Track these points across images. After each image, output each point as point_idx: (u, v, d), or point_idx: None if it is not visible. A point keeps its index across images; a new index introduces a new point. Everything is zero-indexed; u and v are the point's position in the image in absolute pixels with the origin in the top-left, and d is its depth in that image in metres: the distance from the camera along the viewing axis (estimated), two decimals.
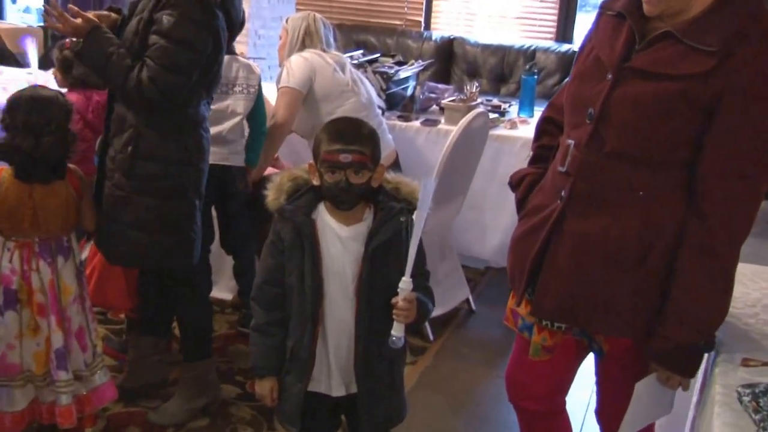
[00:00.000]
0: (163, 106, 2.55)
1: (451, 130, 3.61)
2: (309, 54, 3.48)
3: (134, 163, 2.58)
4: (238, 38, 3.26)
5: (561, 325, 1.95)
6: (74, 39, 2.59)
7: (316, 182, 2.07)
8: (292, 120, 3.46)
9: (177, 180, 2.63)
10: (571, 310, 1.89)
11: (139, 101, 2.53)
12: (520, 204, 2.08)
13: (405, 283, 1.95)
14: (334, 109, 3.44)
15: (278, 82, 3.49)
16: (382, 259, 2.02)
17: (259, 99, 3.40)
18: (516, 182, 2.12)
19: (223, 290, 3.82)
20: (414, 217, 1.94)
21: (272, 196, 2.09)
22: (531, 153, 2.16)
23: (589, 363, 2.12)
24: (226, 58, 3.20)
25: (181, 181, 2.64)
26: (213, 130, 2.96)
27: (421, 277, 2.06)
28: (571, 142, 1.87)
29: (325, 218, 2.07)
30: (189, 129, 2.64)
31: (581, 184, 1.84)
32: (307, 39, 3.53)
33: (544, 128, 2.12)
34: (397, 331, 1.97)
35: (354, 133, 2.01)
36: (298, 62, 3.43)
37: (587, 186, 1.83)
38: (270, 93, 3.59)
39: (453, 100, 4.21)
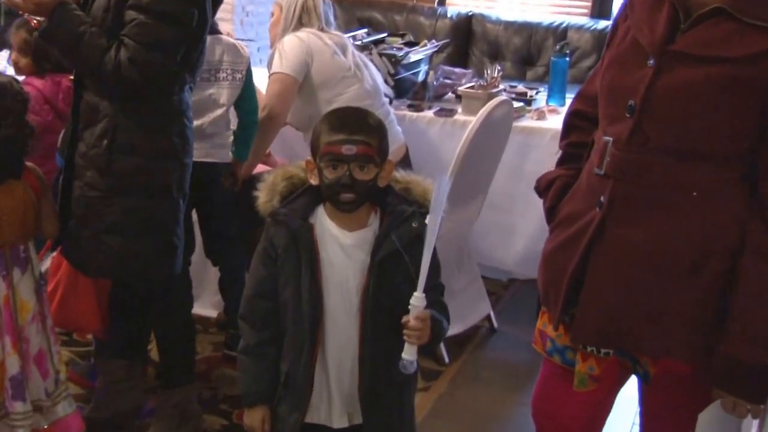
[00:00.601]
0: (145, 92, 2.57)
1: (469, 121, 3.62)
2: (305, 34, 3.49)
3: (112, 157, 2.60)
4: (222, 15, 3.28)
5: (609, 351, 1.96)
6: (37, 18, 2.61)
7: (314, 181, 2.08)
8: (286, 111, 3.48)
9: (161, 176, 2.65)
10: (617, 332, 1.90)
11: (117, 87, 2.55)
12: (550, 212, 2.09)
13: (417, 299, 1.96)
14: (334, 98, 3.45)
15: (269, 66, 3.50)
16: (391, 270, 2.03)
17: (248, 86, 3.42)
18: (544, 187, 2.13)
19: (206, 306, 3.84)
20: (427, 221, 1.95)
21: (264, 197, 2.11)
22: (560, 152, 2.17)
23: (630, 388, 2.13)
24: (208, 38, 3.21)
25: (165, 178, 2.66)
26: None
27: (434, 290, 2.08)
28: (608, 139, 1.88)
29: (324, 223, 2.08)
30: (173, 118, 2.66)
31: (623, 187, 1.85)
32: (304, 16, 3.54)
33: (573, 123, 2.13)
34: (409, 353, 1.98)
35: (359, 122, 2.03)
36: (293, 44, 3.45)
37: (630, 188, 1.85)
38: (261, 79, 3.60)
39: (471, 87, 4.22)
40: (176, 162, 2.68)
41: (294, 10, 3.54)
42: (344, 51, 3.55)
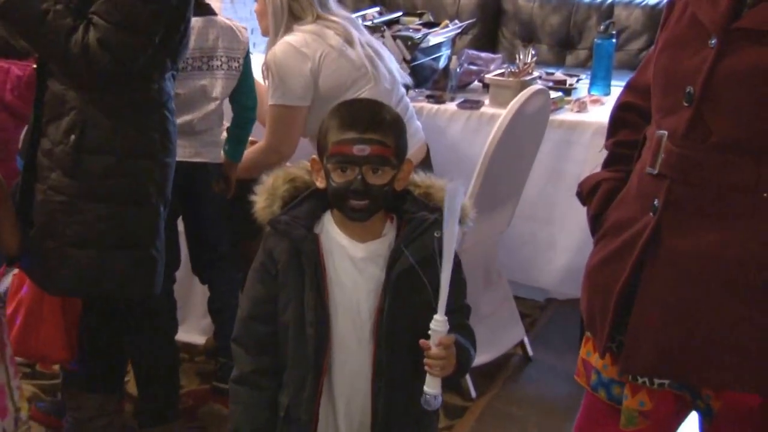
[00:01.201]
0: (118, 80, 2.58)
1: (498, 115, 3.61)
2: (302, 39, 3.33)
3: (80, 156, 2.61)
4: None
5: (664, 381, 1.95)
6: None
7: (320, 184, 2.09)
8: (294, 145, 3.39)
9: (137, 178, 2.66)
10: (675, 361, 1.88)
11: (86, 74, 2.56)
12: (595, 221, 2.09)
13: (438, 323, 1.96)
14: None
15: (265, 78, 3.42)
16: (409, 288, 2.03)
17: (246, 76, 3.42)
18: (587, 192, 2.13)
19: (192, 332, 3.85)
20: (443, 231, 1.95)
21: (262, 202, 2.11)
22: (605, 151, 2.16)
23: (689, 427, 2.12)
24: (200, 20, 3.22)
25: (141, 181, 2.67)
26: (179, 118, 2.99)
27: (458, 312, 2.08)
28: (663, 133, 1.87)
29: (332, 233, 2.09)
30: (150, 110, 2.67)
31: (681, 189, 1.85)
32: (294, 5, 3.36)
33: (621, 118, 2.13)
34: (432, 387, 1.98)
35: (372, 118, 2.04)
36: (290, 63, 3.30)
37: (690, 190, 1.84)
38: (258, 67, 3.58)
39: (501, 74, 4.22)
40: (155, 162, 2.69)
41: (281, 4, 3.36)
42: (351, 42, 3.42)
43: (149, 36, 2.56)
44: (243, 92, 3.43)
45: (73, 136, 2.60)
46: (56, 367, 3.43)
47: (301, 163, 2.17)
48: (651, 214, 1.88)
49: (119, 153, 2.63)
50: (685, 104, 1.83)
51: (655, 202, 1.87)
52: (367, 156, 1.99)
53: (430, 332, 1.97)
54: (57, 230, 2.66)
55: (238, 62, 3.37)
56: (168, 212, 2.81)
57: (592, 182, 2.13)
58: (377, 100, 2.19)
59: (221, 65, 3.34)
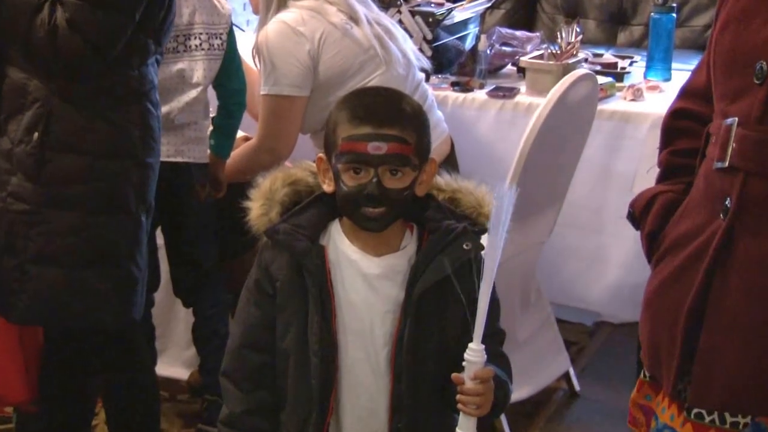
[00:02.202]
0: (92, 68, 2.59)
1: (536, 104, 3.62)
2: (298, 16, 3.30)
3: (44, 156, 2.61)
4: None
5: (739, 420, 1.93)
6: None
7: (328, 188, 2.09)
8: (292, 142, 3.37)
9: (112, 182, 2.66)
10: (757, 392, 1.87)
11: (53, 59, 2.56)
12: (652, 239, 2.08)
13: (475, 353, 1.96)
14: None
15: (256, 63, 3.42)
16: (434, 311, 2.03)
17: (230, 56, 3.42)
18: (641, 211, 2.12)
19: (174, 365, 3.84)
20: (484, 244, 1.94)
21: (258, 209, 2.11)
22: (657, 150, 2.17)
23: None
24: None
25: (118, 185, 2.67)
26: None
27: (491, 339, 2.07)
28: (732, 120, 1.87)
29: (341, 245, 2.09)
30: (129, 102, 2.68)
31: (758, 183, 1.84)
32: None
33: (675, 126, 2.13)
34: (466, 428, 1.98)
35: (390, 110, 2.04)
36: (284, 45, 3.28)
37: None
38: (245, 48, 3.59)
39: (539, 57, 4.23)
40: (135, 162, 2.69)
41: None
42: (357, 20, 3.40)
43: (128, 13, 2.57)
44: (227, 74, 3.41)
45: (36, 134, 2.61)
46: (9, 409, 3.41)
47: (304, 164, 2.18)
48: (721, 217, 1.87)
49: (92, 152, 2.63)
50: (757, 82, 1.83)
51: (727, 202, 1.86)
52: (384, 155, 2.00)
53: (464, 363, 1.96)
54: (17, 245, 2.66)
55: (221, 39, 3.36)
56: (150, 222, 2.81)
57: (646, 198, 2.12)
58: (395, 89, 2.19)
59: (201, 44, 3.32)
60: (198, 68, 3.34)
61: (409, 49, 3.54)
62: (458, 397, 1.97)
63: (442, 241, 2.05)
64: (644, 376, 2.10)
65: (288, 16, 3.29)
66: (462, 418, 1.98)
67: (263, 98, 3.33)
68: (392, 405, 2.06)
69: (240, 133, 3.57)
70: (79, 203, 2.64)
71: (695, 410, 1.94)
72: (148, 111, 2.72)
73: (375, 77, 3.34)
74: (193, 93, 3.33)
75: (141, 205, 2.73)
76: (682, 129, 2.11)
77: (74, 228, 2.64)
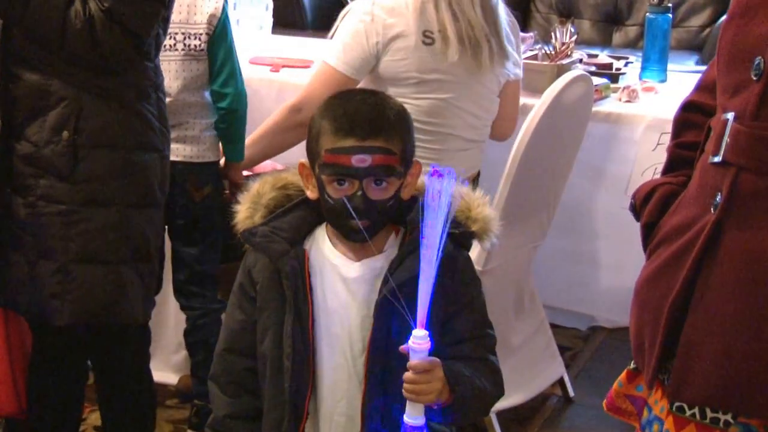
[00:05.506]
0: (129, 57, 2.58)
1: (530, 106, 3.60)
2: (390, 4, 3.21)
3: (77, 154, 2.60)
4: None
5: (719, 417, 1.92)
6: None
7: (311, 195, 2.09)
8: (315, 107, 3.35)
9: (144, 175, 2.68)
10: (737, 389, 1.86)
11: (91, 51, 2.53)
12: (648, 230, 2.08)
13: (416, 339, 1.93)
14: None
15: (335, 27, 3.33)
16: (403, 314, 1.99)
17: (218, 57, 3.33)
18: (641, 200, 2.13)
19: (163, 369, 3.80)
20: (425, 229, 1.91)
21: (244, 212, 2.12)
22: (658, 149, 2.15)
23: None
24: None
25: (148, 178, 2.69)
26: None
27: (470, 342, 2.08)
28: (729, 115, 1.87)
29: (324, 249, 2.09)
30: (149, 93, 2.69)
31: (749, 178, 1.83)
32: None
33: (686, 119, 2.14)
34: (409, 414, 1.96)
35: (375, 119, 2.02)
36: (359, 28, 3.22)
37: (760, 180, 1.83)
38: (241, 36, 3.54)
39: (533, 57, 4.21)
40: (158, 154, 2.71)
41: None
42: (446, 39, 3.23)
43: (162, 1, 2.58)
44: (214, 77, 3.33)
45: (65, 132, 2.60)
46: None
47: (295, 168, 2.17)
48: (712, 211, 1.87)
49: (124, 146, 2.64)
50: (754, 78, 1.83)
51: (718, 197, 1.86)
52: (369, 167, 1.99)
53: (409, 351, 1.95)
54: (56, 247, 2.64)
55: (200, 39, 3.28)
56: None
57: (647, 189, 2.13)
58: (379, 93, 2.18)
59: (174, 45, 3.26)
60: (170, 69, 3.28)
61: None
62: (404, 384, 1.95)
63: (417, 241, 2.01)
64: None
65: (385, 1, 3.24)
66: (409, 406, 1.96)
67: (321, 62, 3.32)
68: (365, 411, 2.04)
69: (268, 163, 3.54)
70: (117, 199, 2.65)
71: (677, 403, 1.94)
72: (162, 102, 2.75)
73: (438, 98, 3.29)
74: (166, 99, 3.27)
75: (162, 198, 2.76)
76: (691, 122, 2.12)
77: (114, 224, 2.65)
